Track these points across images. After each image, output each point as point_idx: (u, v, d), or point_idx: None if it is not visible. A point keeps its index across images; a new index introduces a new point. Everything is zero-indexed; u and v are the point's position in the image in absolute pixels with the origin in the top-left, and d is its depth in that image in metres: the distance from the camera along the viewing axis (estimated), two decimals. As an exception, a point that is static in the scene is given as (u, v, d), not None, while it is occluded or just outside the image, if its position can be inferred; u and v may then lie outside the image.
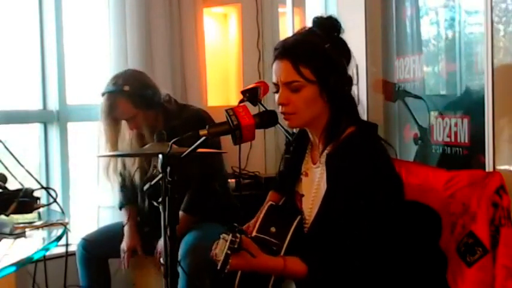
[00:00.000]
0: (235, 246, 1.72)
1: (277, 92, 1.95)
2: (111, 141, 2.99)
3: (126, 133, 3.02)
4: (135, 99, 2.93)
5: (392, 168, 1.93)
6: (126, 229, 3.08)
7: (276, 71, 1.94)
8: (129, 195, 3.14)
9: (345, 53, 1.95)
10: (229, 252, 1.73)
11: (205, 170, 2.94)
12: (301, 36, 1.98)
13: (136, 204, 3.14)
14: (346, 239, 1.82)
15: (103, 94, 2.97)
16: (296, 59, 1.89)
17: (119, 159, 3.05)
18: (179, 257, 2.74)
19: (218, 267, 1.76)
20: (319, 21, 1.96)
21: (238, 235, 1.73)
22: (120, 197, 3.17)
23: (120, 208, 3.17)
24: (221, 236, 1.78)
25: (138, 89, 2.94)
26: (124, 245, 3.05)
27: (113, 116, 2.97)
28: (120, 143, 3.03)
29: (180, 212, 2.89)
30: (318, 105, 1.91)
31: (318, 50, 1.90)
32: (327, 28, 1.94)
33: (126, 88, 2.93)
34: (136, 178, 3.03)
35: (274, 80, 1.95)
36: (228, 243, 1.72)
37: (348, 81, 1.94)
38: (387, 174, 1.90)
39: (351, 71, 1.96)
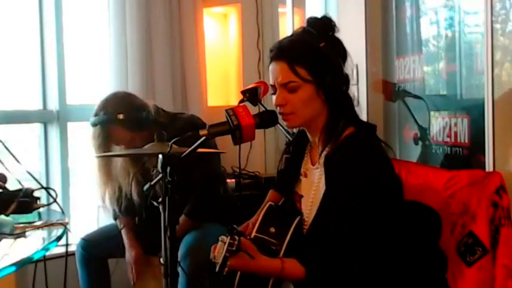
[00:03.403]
0: (234, 248, 1.72)
1: (274, 93, 1.95)
2: (106, 173, 2.97)
3: (120, 160, 2.98)
4: (130, 125, 2.88)
5: (391, 169, 1.92)
6: (126, 243, 3.07)
7: (272, 73, 1.94)
8: (122, 209, 3.10)
9: (340, 51, 1.95)
10: (227, 254, 1.73)
11: (207, 174, 2.92)
12: (296, 36, 1.98)
13: (130, 215, 3.11)
14: (344, 241, 1.82)
15: (95, 125, 2.90)
16: (291, 60, 1.88)
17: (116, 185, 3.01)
18: (179, 258, 2.74)
19: (216, 270, 1.76)
20: (313, 21, 1.96)
21: (236, 237, 1.73)
22: (113, 208, 3.14)
23: (115, 219, 3.16)
24: (219, 239, 1.79)
25: (132, 113, 2.89)
26: (129, 258, 3.04)
27: (109, 146, 2.92)
28: (114, 169, 2.99)
29: (182, 216, 2.89)
30: (315, 104, 1.91)
31: (313, 49, 1.90)
32: (322, 28, 1.94)
33: (120, 116, 2.87)
34: (134, 194, 3.00)
35: (271, 81, 1.95)
36: (226, 246, 1.73)
37: (345, 80, 1.93)
38: (386, 175, 1.89)
39: (349, 70, 1.96)
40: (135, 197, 3.00)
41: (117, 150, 2.97)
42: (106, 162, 2.97)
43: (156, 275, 3.01)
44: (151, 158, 2.76)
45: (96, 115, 2.92)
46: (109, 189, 3.02)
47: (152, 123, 2.93)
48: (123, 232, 3.10)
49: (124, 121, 2.88)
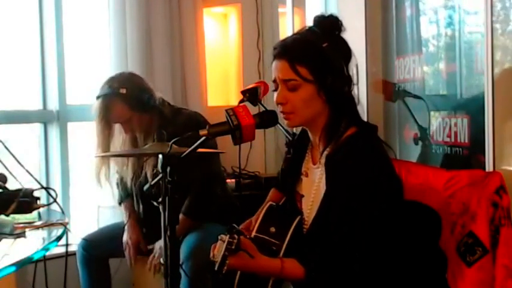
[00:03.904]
0: (233, 247, 1.72)
1: (275, 90, 1.95)
2: (102, 146, 2.99)
3: (119, 137, 3.01)
4: (131, 102, 2.92)
5: (392, 170, 1.92)
6: (127, 225, 3.08)
7: (274, 70, 1.94)
8: (125, 191, 3.15)
9: (344, 52, 1.94)
10: (226, 253, 1.73)
11: (206, 173, 2.93)
12: (299, 35, 1.97)
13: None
14: (345, 241, 1.82)
15: (98, 97, 2.96)
16: (293, 58, 1.89)
17: (111, 165, 3.04)
18: (181, 259, 2.74)
19: (215, 268, 1.76)
20: (319, 20, 1.96)
21: (236, 236, 1.73)
22: (118, 193, 3.17)
23: (120, 203, 3.17)
24: (219, 237, 1.79)
25: (135, 91, 2.93)
26: (127, 240, 3.05)
27: (107, 119, 2.96)
28: (112, 147, 3.02)
29: (181, 215, 2.89)
30: (316, 104, 1.91)
31: (315, 49, 1.89)
32: (327, 27, 1.94)
33: (123, 91, 2.91)
34: (128, 182, 3.03)
35: (273, 78, 1.96)
36: (225, 245, 1.73)
37: (347, 81, 1.93)
38: (387, 176, 1.89)
39: (351, 70, 1.96)
40: (129, 182, 3.03)
41: (116, 130, 2.98)
42: (106, 139, 2.99)
43: (156, 275, 3.00)
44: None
45: (101, 88, 2.97)
46: (106, 167, 3.04)
47: (153, 109, 2.97)
48: (125, 214, 3.10)
49: (125, 96, 2.92)
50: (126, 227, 3.08)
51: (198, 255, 2.77)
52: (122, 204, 3.17)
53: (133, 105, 2.93)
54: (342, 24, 1.95)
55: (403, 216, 1.93)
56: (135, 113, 2.94)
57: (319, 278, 1.82)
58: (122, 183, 3.13)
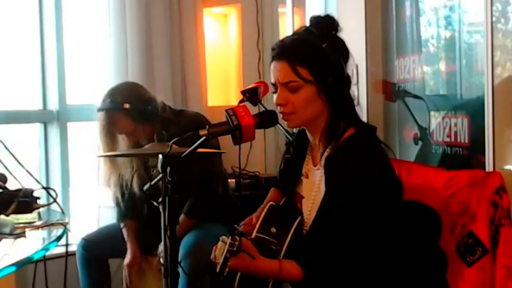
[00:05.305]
0: (234, 249, 1.72)
1: (275, 92, 1.95)
2: (110, 160, 2.98)
3: (124, 145, 3.01)
4: (134, 116, 2.90)
5: (391, 171, 1.92)
6: (127, 245, 3.06)
7: (273, 72, 1.93)
8: (125, 209, 3.11)
9: (342, 52, 1.94)
10: (228, 255, 1.73)
11: (207, 173, 2.93)
12: (298, 36, 1.97)
13: (134, 217, 3.11)
14: (345, 241, 1.81)
15: (100, 110, 2.93)
16: (293, 60, 1.88)
17: (117, 173, 3.03)
18: (180, 258, 2.74)
19: (217, 270, 1.76)
20: (316, 20, 1.96)
21: (237, 238, 1.73)
22: (118, 210, 3.15)
23: (118, 221, 3.15)
24: (220, 239, 1.79)
25: (138, 105, 2.91)
26: (126, 262, 3.04)
27: (112, 132, 2.95)
28: (118, 159, 3.01)
29: (182, 215, 2.89)
30: (316, 105, 1.91)
31: (315, 49, 1.89)
32: (324, 27, 1.93)
33: (126, 106, 2.89)
34: (135, 186, 3.02)
35: (272, 80, 1.95)
36: (227, 246, 1.72)
37: (347, 81, 1.93)
38: (386, 177, 1.89)
39: (350, 70, 1.96)
40: (136, 189, 3.01)
41: (120, 139, 2.98)
42: (111, 150, 2.97)
43: (155, 276, 3.01)
44: (154, 157, 2.77)
45: (103, 101, 2.94)
46: (113, 175, 3.03)
47: (157, 118, 2.96)
48: (125, 234, 3.10)
49: (129, 111, 2.90)
50: (127, 247, 3.04)
51: (197, 254, 2.77)
52: (122, 224, 3.13)
53: (137, 119, 2.91)
54: (338, 25, 1.95)
55: (403, 217, 1.93)
56: (139, 125, 2.93)
57: (318, 279, 1.82)
58: (122, 198, 3.10)
